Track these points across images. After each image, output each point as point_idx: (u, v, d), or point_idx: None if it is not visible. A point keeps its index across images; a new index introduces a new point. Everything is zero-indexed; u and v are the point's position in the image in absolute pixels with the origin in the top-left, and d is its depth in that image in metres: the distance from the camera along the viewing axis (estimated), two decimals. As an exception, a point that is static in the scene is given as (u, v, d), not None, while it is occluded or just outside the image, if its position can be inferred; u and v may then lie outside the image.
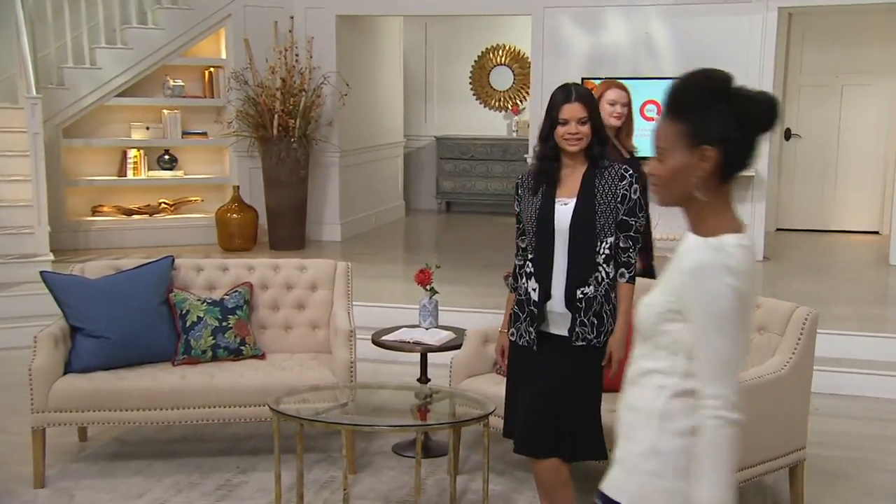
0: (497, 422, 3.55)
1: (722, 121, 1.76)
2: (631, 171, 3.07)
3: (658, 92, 7.92)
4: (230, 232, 7.94)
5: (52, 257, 6.48)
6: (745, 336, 1.81)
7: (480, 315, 5.45)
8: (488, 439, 3.50)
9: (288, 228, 8.12)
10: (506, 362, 3.24)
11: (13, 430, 4.44)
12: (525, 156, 8.51)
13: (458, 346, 4.22)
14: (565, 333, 3.03)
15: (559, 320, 3.05)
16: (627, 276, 3.09)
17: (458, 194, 10.85)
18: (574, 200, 3.03)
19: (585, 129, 3.02)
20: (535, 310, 3.05)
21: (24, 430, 4.35)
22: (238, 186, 8.12)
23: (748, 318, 1.80)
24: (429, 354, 4.35)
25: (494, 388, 3.85)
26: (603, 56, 7.75)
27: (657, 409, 1.83)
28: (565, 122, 3.02)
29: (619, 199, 3.04)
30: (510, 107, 10.79)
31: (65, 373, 3.93)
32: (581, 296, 3.01)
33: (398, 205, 10.32)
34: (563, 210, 3.04)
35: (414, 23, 10.53)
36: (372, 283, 6.62)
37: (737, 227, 1.82)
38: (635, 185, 3.05)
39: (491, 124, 10.90)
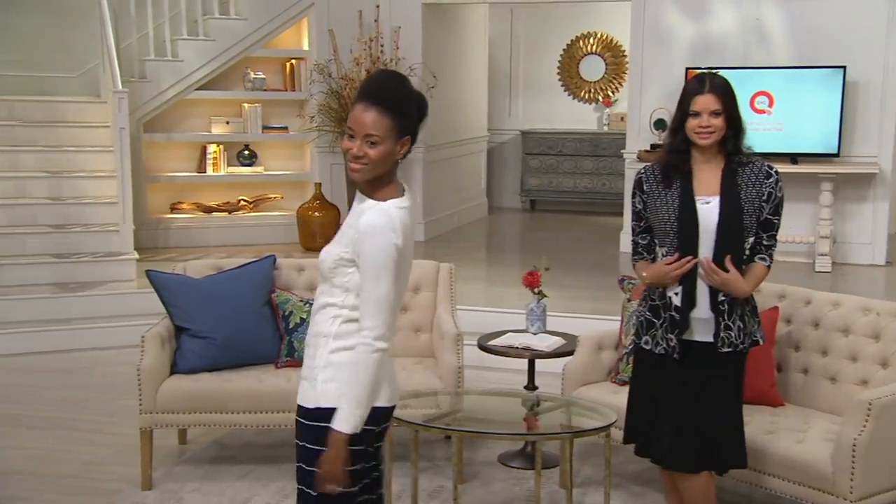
0: (616, 432, 3.61)
1: (414, 118, 2.47)
2: (776, 168, 3.09)
3: (770, 82, 7.88)
4: (311, 231, 8.11)
5: (136, 255, 6.73)
6: (402, 283, 2.49)
7: (587, 321, 5.48)
8: (609, 451, 3.55)
9: (371, 227, 8.25)
10: (672, 265, 3.04)
11: (113, 430, 4.65)
12: (622, 151, 8.50)
13: (568, 353, 4.28)
14: (710, 339, 3.07)
15: (701, 326, 3.07)
16: (769, 260, 3.11)
17: (543, 192, 10.88)
18: (716, 199, 3.04)
19: (718, 121, 3.03)
20: (676, 315, 3.08)
21: (123, 431, 4.59)
22: (320, 183, 8.30)
23: (405, 269, 2.49)
24: (536, 361, 4.42)
25: (611, 397, 3.90)
26: (709, 44, 7.72)
27: (332, 332, 2.47)
28: (697, 115, 3.03)
29: (763, 198, 3.06)
30: (601, 99, 10.79)
31: (170, 374, 4.10)
32: (722, 298, 3.05)
33: (481, 203, 10.41)
34: (706, 209, 3.05)
35: (500, 11, 10.61)
36: (461, 286, 6.70)
37: (400, 193, 2.49)
38: (780, 183, 3.08)
39: (580, 117, 10.92)
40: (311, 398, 2.48)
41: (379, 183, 2.46)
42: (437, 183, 9.03)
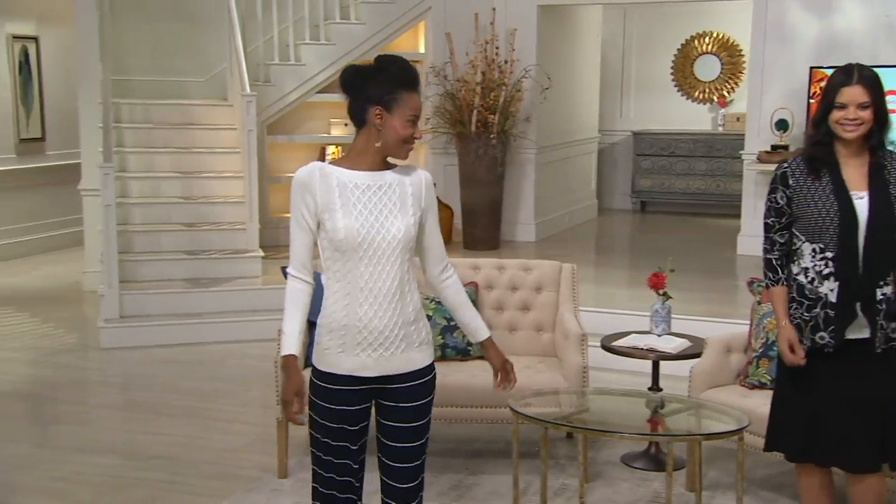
0: (752, 439, 3.58)
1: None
2: None
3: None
4: None
5: (262, 253, 6.97)
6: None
7: (709, 323, 5.44)
8: (743, 454, 3.53)
9: (484, 228, 8.35)
10: (796, 356, 3.07)
11: (248, 420, 4.85)
12: (739, 152, 8.36)
13: (694, 355, 4.26)
14: (866, 336, 3.02)
15: (857, 324, 3.02)
16: None
17: (655, 193, 10.78)
18: (865, 194, 3.00)
19: (866, 114, 2.97)
20: (831, 312, 3.02)
21: (256, 421, 4.79)
22: (434, 184, 8.40)
23: None
24: (660, 363, 4.42)
25: (740, 400, 3.87)
26: (834, 42, 7.52)
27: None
28: (843, 107, 2.98)
29: None
30: (716, 99, 10.63)
31: (304, 367, 4.24)
32: (881, 297, 3.00)
33: (591, 204, 10.38)
34: (859, 204, 3.00)
35: (613, 11, 10.57)
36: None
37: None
38: None
39: (694, 118, 10.78)
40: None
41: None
42: (549, 184, 9.05)
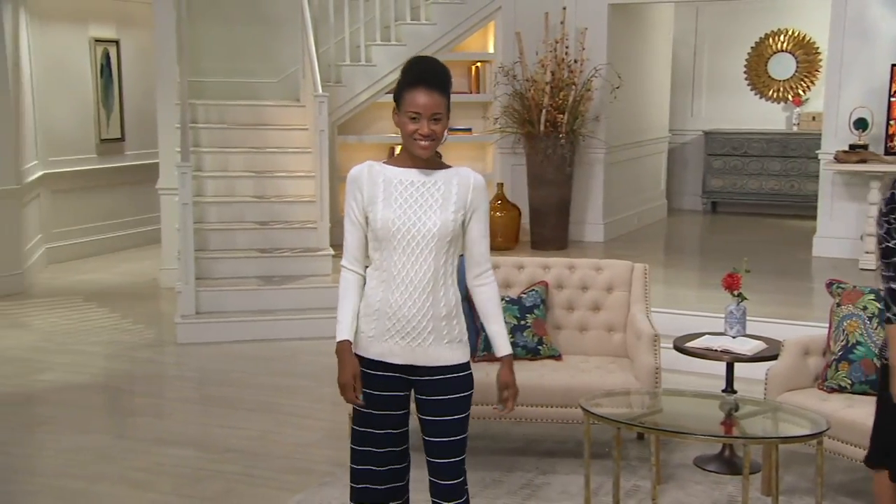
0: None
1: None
2: None
3: None
4: (493, 230, 7.87)
5: (332, 252, 7.03)
6: None
7: (784, 326, 5.33)
8: (822, 459, 3.45)
9: (552, 228, 8.30)
10: None
11: (320, 416, 4.91)
12: (816, 152, 8.17)
13: (770, 358, 4.19)
14: None
15: None
16: None
17: (726, 193, 10.61)
18: None
19: None
20: None
21: (328, 417, 4.84)
22: (502, 184, 8.41)
23: None
24: (735, 365, 4.34)
25: (819, 404, 3.79)
26: (918, 40, 7.31)
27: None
28: None
29: None
30: (791, 98, 10.41)
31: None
32: None
33: (660, 204, 10.26)
34: None
35: (685, 9, 10.43)
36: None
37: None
38: None
39: (767, 117, 10.58)
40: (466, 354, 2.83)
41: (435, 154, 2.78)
42: (618, 184, 8.97)
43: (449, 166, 2.83)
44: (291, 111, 7.95)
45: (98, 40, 9.38)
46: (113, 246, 9.48)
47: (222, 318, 6.40)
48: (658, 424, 3.79)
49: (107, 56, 9.51)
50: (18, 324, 6.82)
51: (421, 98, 2.67)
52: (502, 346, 2.86)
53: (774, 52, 10.53)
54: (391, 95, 8.86)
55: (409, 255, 2.71)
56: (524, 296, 4.55)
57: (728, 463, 4.27)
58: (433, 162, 2.78)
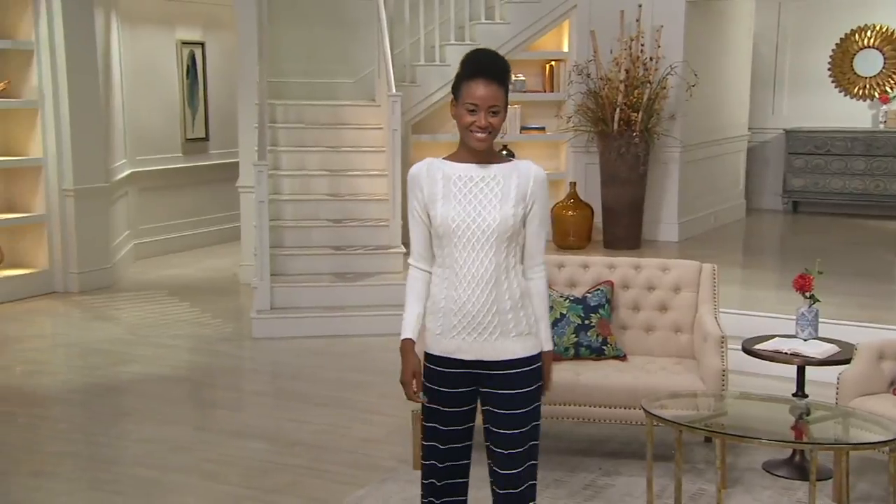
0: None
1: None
2: None
3: None
4: (565, 229, 8.14)
5: (404, 249, 7.06)
6: None
7: (861, 329, 5.14)
8: (895, 467, 3.31)
9: (625, 227, 8.18)
10: None
11: (386, 412, 4.93)
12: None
13: (843, 362, 4.04)
14: None
15: None
16: None
17: (808, 193, 10.30)
18: None
19: None
20: None
21: (394, 413, 4.85)
22: (575, 182, 8.32)
23: None
24: (806, 368, 4.21)
25: (893, 410, 3.64)
26: None
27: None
28: None
29: None
30: (877, 95, 10.04)
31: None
32: None
33: (738, 203, 10.02)
34: None
35: (767, 4, 10.15)
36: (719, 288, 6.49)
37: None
38: None
39: (852, 115, 10.24)
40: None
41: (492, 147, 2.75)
42: (694, 182, 8.79)
43: (509, 159, 2.79)
44: (367, 111, 8.01)
45: (185, 42, 9.62)
46: (197, 242, 9.71)
47: (296, 313, 6.49)
48: (723, 427, 3.69)
49: (192, 58, 9.74)
50: (106, 316, 7.04)
51: (479, 90, 2.64)
52: (545, 339, 2.81)
53: (861, 49, 10.18)
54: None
55: (469, 251, 2.69)
56: (589, 295, 4.48)
57: (798, 468, 4.13)
58: (492, 155, 2.75)
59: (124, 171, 8.78)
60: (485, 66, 2.67)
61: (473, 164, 2.72)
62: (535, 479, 2.83)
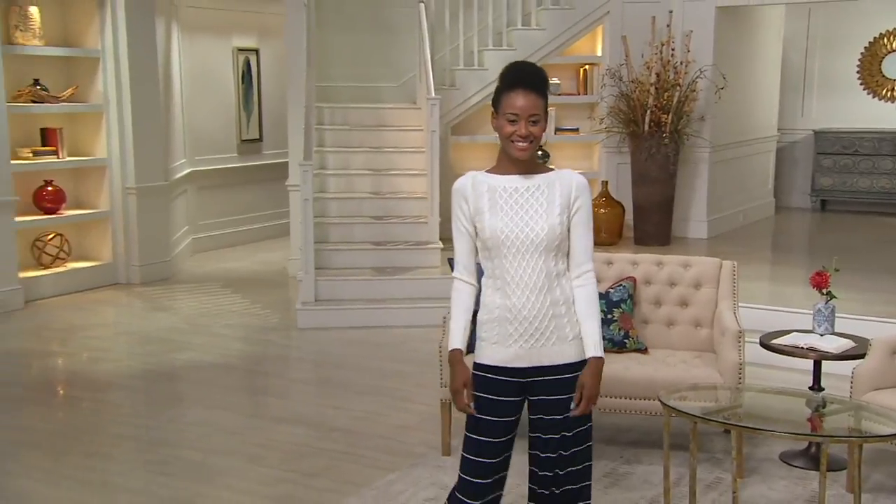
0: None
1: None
2: None
3: None
4: (597, 226, 7.78)
5: (441, 245, 7.08)
6: None
7: (879, 324, 5.03)
8: (902, 459, 3.24)
9: (655, 224, 8.11)
10: None
11: (420, 400, 4.95)
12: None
13: (858, 356, 3.96)
14: None
15: None
16: None
17: (836, 192, 10.10)
18: None
19: None
20: None
21: (428, 402, 4.86)
22: (606, 182, 8.26)
23: None
24: (822, 363, 4.13)
25: (905, 404, 3.56)
26: None
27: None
28: None
29: None
30: (905, 96, 9.81)
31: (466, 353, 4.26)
32: None
33: (767, 202, 9.86)
34: None
35: (796, 9, 9.96)
36: (743, 284, 6.39)
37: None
38: None
39: (880, 116, 10.02)
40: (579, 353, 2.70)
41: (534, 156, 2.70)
42: (723, 182, 8.67)
43: (550, 168, 2.74)
44: (409, 113, 8.03)
45: (240, 49, 9.73)
46: (251, 237, 9.83)
47: (339, 305, 6.53)
48: (738, 419, 3.64)
49: (248, 64, 9.85)
50: (164, 307, 7.16)
51: (519, 100, 2.59)
52: (591, 346, 2.69)
53: (890, 52, 9.95)
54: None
55: (520, 261, 2.62)
56: (612, 291, 4.44)
57: (814, 459, 4.06)
58: (534, 165, 2.69)
59: (184, 170, 8.92)
60: (524, 77, 2.62)
61: (517, 175, 2.66)
62: (589, 480, 2.76)
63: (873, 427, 3.44)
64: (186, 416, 4.82)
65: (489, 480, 2.70)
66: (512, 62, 2.75)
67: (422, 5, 7.70)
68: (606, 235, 8.05)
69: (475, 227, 2.67)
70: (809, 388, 4.15)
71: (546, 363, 2.67)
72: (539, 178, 2.67)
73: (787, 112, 10.30)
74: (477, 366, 2.72)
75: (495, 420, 2.69)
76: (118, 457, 4.29)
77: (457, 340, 2.71)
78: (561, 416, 2.67)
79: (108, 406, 5.02)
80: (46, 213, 7.39)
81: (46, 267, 7.44)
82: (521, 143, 2.61)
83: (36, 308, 7.00)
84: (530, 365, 2.67)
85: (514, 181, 2.66)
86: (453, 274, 2.77)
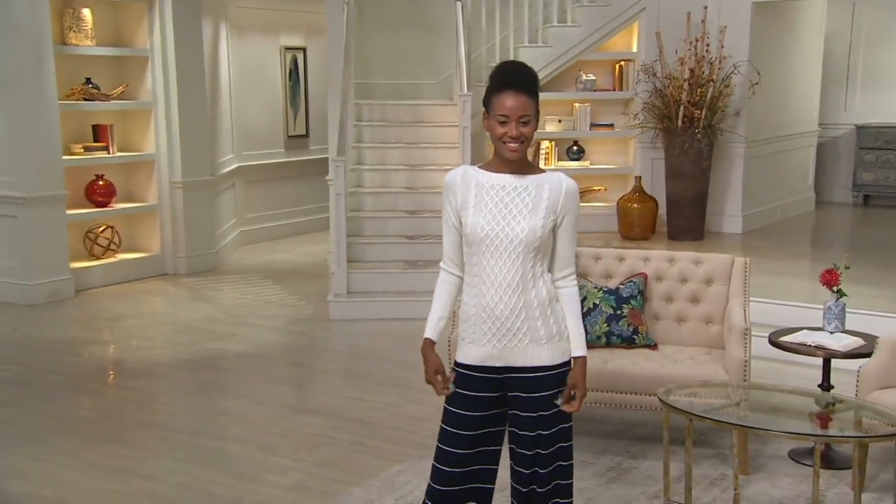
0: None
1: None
2: None
3: None
4: (630, 221, 7.95)
5: (471, 239, 7.02)
6: None
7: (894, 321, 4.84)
8: (900, 461, 3.10)
9: (688, 219, 7.93)
10: None
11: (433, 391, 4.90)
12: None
13: (867, 355, 3.81)
14: None
15: None
16: None
17: (879, 187, 9.75)
18: None
19: None
20: None
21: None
22: (640, 177, 8.11)
23: None
24: (832, 360, 3.98)
25: (910, 405, 3.41)
26: None
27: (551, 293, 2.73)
28: None
29: None
30: (949, 91, 9.40)
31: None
32: None
33: (807, 197, 9.56)
34: None
35: (840, 4, 9.62)
36: (773, 280, 6.22)
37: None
38: None
39: (924, 110, 9.61)
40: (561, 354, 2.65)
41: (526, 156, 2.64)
42: (759, 177, 8.43)
43: (542, 170, 2.68)
44: (445, 109, 7.98)
45: (288, 48, 9.80)
46: (297, 230, 9.91)
47: (370, 297, 6.54)
48: (740, 417, 3.53)
49: (295, 62, 9.92)
50: (205, 297, 7.27)
51: (509, 101, 2.54)
52: (578, 346, 2.65)
53: (935, 45, 9.54)
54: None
55: (497, 259, 2.58)
56: (622, 286, 4.35)
57: (824, 457, 3.91)
58: (526, 166, 2.63)
59: (232, 164, 9.03)
60: (513, 78, 2.57)
61: (507, 174, 2.61)
62: (570, 479, 2.69)
63: (874, 426, 3.31)
64: (207, 405, 4.87)
65: (458, 470, 2.66)
66: (501, 62, 2.70)
67: (458, 4, 7.64)
68: (640, 230, 7.91)
69: (460, 221, 2.64)
70: (819, 385, 4.01)
71: (517, 364, 2.62)
72: (529, 179, 2.61)
73: (829, 106, 9.97)
74: (457, 364, 2.70)
75: (465, 413, 2.65)
76: (139, 443, 4.35)
77: (430, 330, 2.71)
78: (535, 414, 2.62)
79: (138, 394, 5.09)
80: (98, 207, 7.56)
81: (98, 258, 7.61)
82: (512, 144, 2.57)
83: (86, 297, 7.17)
84: (504, 365, 2.63)
85: (503, 179, 2.61)
86: (440, 264, 2.76)
